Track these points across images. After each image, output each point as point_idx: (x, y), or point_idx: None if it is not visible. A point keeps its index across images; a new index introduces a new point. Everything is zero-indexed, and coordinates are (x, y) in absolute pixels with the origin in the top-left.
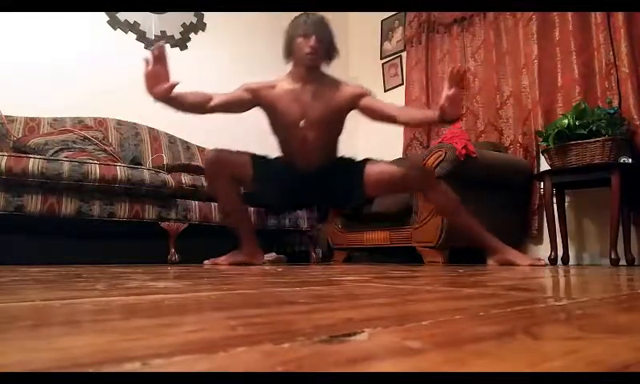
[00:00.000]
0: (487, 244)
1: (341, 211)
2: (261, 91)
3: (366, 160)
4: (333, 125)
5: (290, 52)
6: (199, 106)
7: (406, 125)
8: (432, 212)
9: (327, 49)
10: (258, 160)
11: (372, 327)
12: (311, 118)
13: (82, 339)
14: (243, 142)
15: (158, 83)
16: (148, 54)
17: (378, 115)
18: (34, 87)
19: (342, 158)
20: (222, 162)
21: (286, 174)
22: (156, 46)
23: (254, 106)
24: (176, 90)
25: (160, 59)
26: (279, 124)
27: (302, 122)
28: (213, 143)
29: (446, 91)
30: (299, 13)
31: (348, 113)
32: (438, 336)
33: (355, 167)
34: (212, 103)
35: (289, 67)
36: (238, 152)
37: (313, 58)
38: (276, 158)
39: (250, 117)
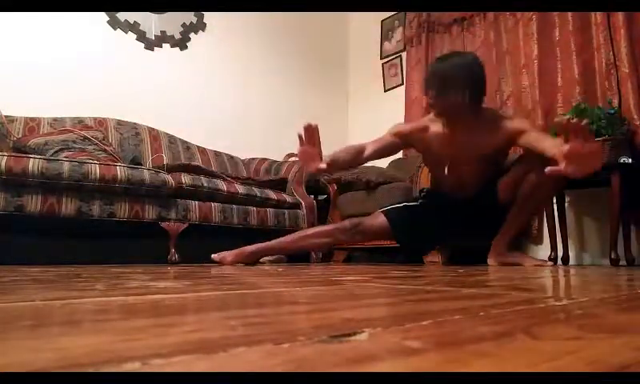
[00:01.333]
0: (497, 243)
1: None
2: (412, 135)
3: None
4: (489, 165)
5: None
6: (353, 161)
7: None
8: None
9: (471, 93)
10: (393, 215)
11: (372, 327)
12: (464, 160)
13: (82, 339)
14: (244, 142)
15: (312, 161)
16: (301, 131)
17: (538, 153)
18: (34, 87)
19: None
20: (360, 232)
21: (430, 212)
22: (306, 125)
23: (404, 148)
24: (329, 155)
25: (310, 139)
26: (433, 164)
27: (449, 163)
28: (212, 143)
29: (561, 148)
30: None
31: (508, 149)
32: (438, 336)
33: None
34: (364, 155)
35: (293, 67)
36: (372, 217)
37: (436, 111)
38: (415, 201)
39: (247, 117)
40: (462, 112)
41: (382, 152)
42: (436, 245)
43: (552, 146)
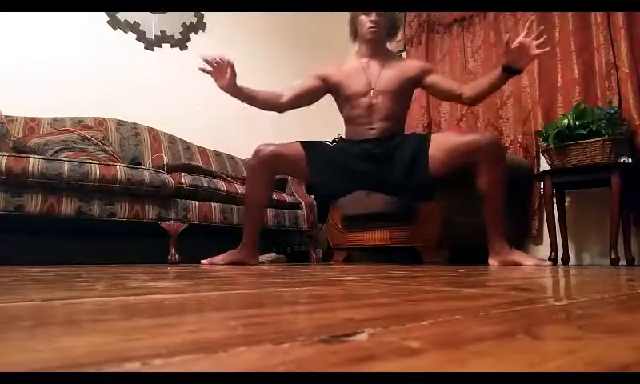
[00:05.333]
0: (493, 244)
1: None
2: (331, 74)
3: (430, 133)
4: (400, 95)
5: (354, 31)
6: (272, 104)
7: (473, 100)
8: (432, 212)
9: (389, 25)
10: (310, 148)
11: (372, 327)
12: (379, 87)
13: (82, 339)
14: (244, 142)
15: (223, 75)
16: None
17: (444, 93)
18: (34, 87)
19: (408, 135)
20: (274, 155)
21: (344, 157)
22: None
23: (325, 94)
24: (246, 86)
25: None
26: (347, 97)
27: (371, 92)
28: (212, 144)
29: (523, 37)
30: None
31: (415, 87)
32: (438, 336)
33: (420, 143)
34: (284, 100)
35: (293, 68)
36: (287, 144)
37: (374, 31)
38: (330, 143)
39: (247, 117)
40: (388, 37)
41: (302, 97)
42: (347, 190)
43: (458, 86)
